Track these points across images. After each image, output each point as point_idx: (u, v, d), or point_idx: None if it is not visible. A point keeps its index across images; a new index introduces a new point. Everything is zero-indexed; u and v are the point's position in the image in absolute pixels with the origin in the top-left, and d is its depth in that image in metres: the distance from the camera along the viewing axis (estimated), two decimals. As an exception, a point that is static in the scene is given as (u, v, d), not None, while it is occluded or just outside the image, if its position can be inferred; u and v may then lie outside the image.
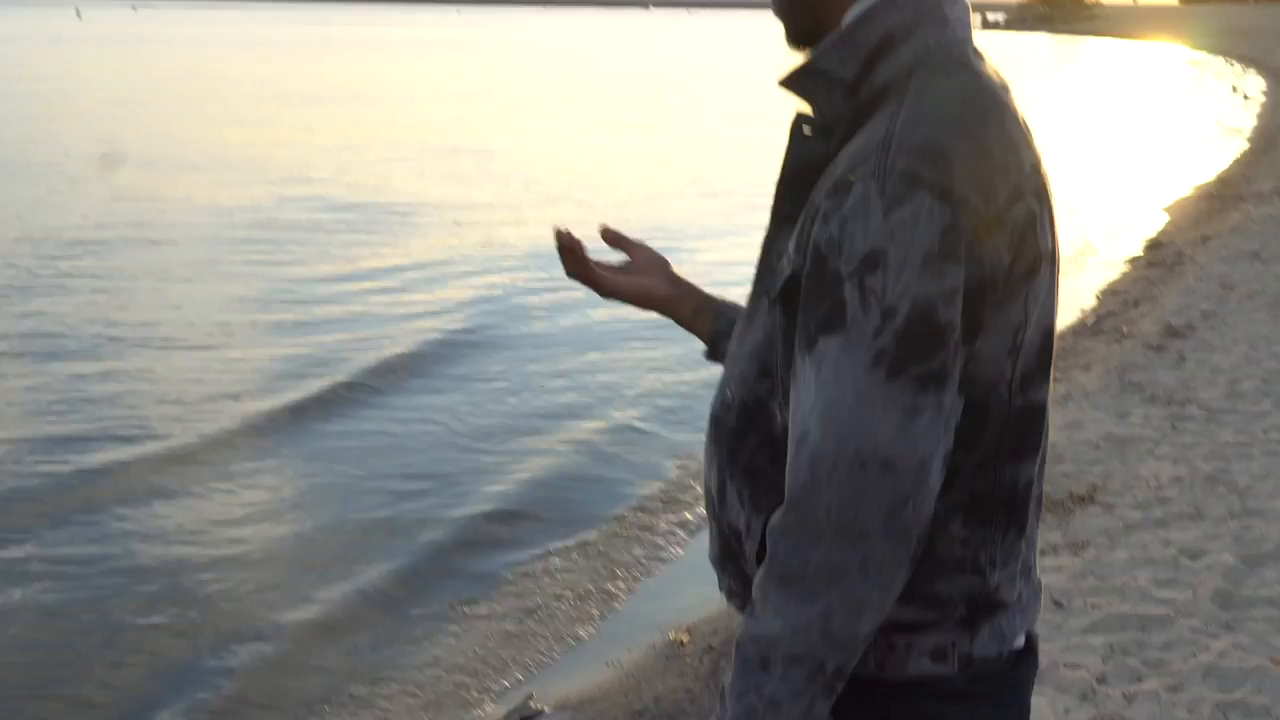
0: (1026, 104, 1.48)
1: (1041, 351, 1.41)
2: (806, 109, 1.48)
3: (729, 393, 1.52)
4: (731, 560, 1.53)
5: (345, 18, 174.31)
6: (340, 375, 8.75)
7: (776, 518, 1.36)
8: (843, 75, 1.41)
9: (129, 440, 7.38)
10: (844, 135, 1.39)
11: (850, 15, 1.42)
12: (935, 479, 1.33)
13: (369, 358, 9.17)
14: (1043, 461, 1.50)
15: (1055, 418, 6.36)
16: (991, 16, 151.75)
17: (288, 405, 8.10)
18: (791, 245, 1.40)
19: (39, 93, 32.97)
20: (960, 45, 1.43)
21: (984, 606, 1.43)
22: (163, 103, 31.31)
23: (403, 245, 13.59)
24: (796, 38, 1.50)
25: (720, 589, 1.59)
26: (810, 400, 1.32)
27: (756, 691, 1.34)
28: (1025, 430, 1.42)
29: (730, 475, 1.50)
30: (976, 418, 1.37)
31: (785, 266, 1.40)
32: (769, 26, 1.54)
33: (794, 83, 1.47)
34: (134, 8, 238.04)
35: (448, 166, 20.20)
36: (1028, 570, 1.50)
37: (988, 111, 1.36)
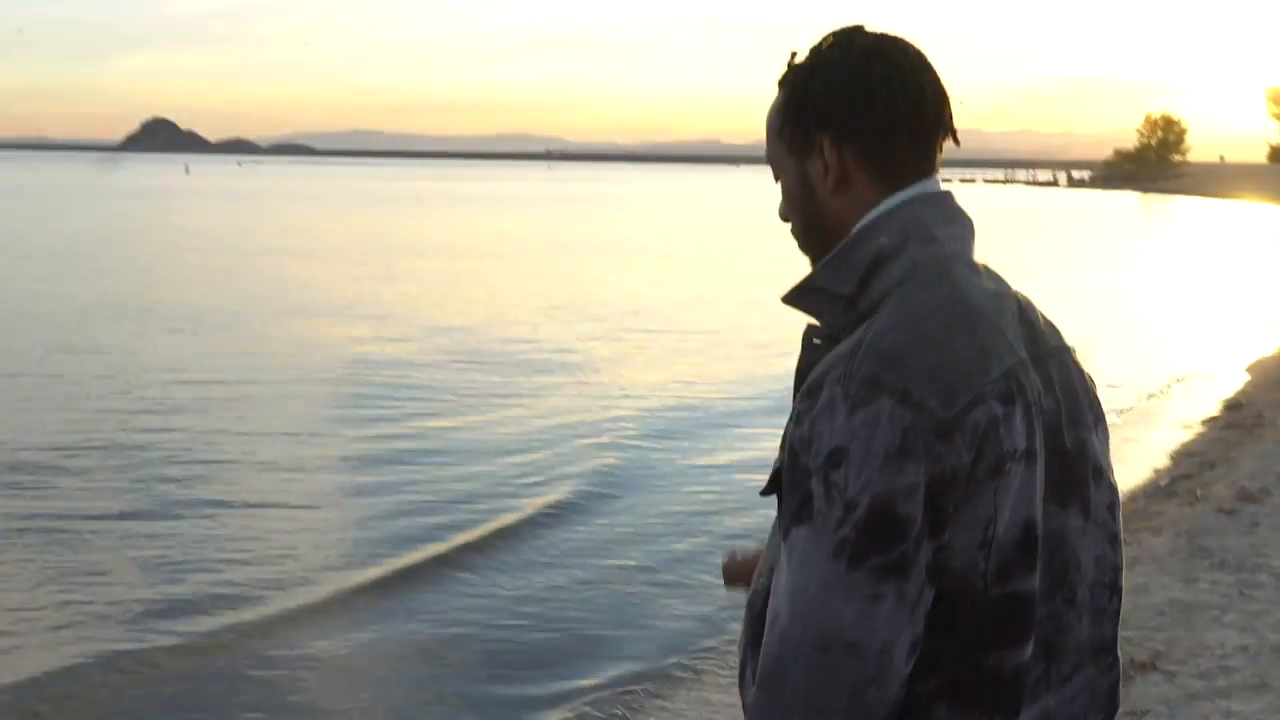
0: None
1: (1022, 544, 1.48)
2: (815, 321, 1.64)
3: (760, 581, 1.62)
4: None
5: (436, 174, 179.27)
6: (455, 537, 8.66)
7: (751, 695, 1.46)
8: (841, 291, 1.57)
9: (226, 606, 7.32)
10: None
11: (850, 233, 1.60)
12: (899, 662, 1.41)
13: (487, 519, 9.04)
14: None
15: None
16: (1077, 174, 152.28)
17: (391, 572, 8.00)
18: (779, 444, 1.53)
19: (147, 243, 34.33)
20: (947, 260, 1.56)
21: None
22: (267, 252, 32.40)
23: (517, 402, 13.45)
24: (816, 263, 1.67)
25: None
26: (783, 584, 1.44)
27: None
28: (1008, 619, 1.48)
29: (750, 658, 1.59)
30: (951, 606, 1.45)
31: (775, 463, 1.53)
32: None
33: (795, 299, 1.65)
34: (239, 164, 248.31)
35: (562, 318, 20.33)
36: None
37: (957, 321, 1.49)
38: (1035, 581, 1.49)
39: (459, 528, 8.91)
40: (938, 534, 1.42)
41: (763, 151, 1.70)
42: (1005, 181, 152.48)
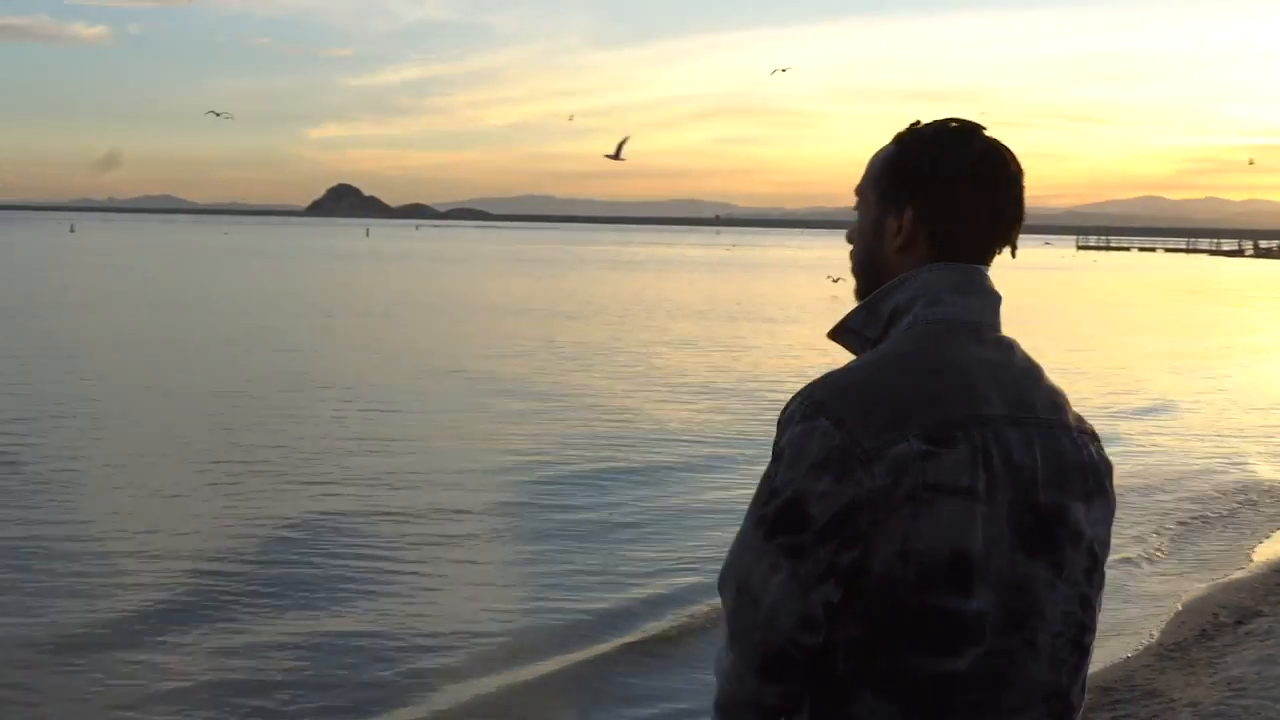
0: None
1: (950, 568, 1.69)
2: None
3: None
4: None
5: (611, 238, 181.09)
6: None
7: None
8: (869, 334, 1.87)
9: (403, 700, 6.94)
10: None
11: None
12: (785, 624, 1.71)
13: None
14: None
15: (1248, 651, 6.18)
16: (1264, 244, 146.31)
17: (584, 659, 7.57)
18: None
19: (341, 303, 35.80)
20: (947, 322, 1.80)
21: None
22: (449, 310, 33.22)
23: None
24: (862, 296, 1.93)
25: None
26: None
27: None
28: (933, 630, 1.70)
29: None
30: (871, 602, 1.71)
31: None
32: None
33: (835, 335, 1.94)
34: (416, 227, 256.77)
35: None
36: None
37: (912, 370, 1.75)
38: (970, 605, 1.70)
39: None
40: (853, 544, 1.69)
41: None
42: (1187, 250, 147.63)
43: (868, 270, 1.92)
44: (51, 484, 11.41)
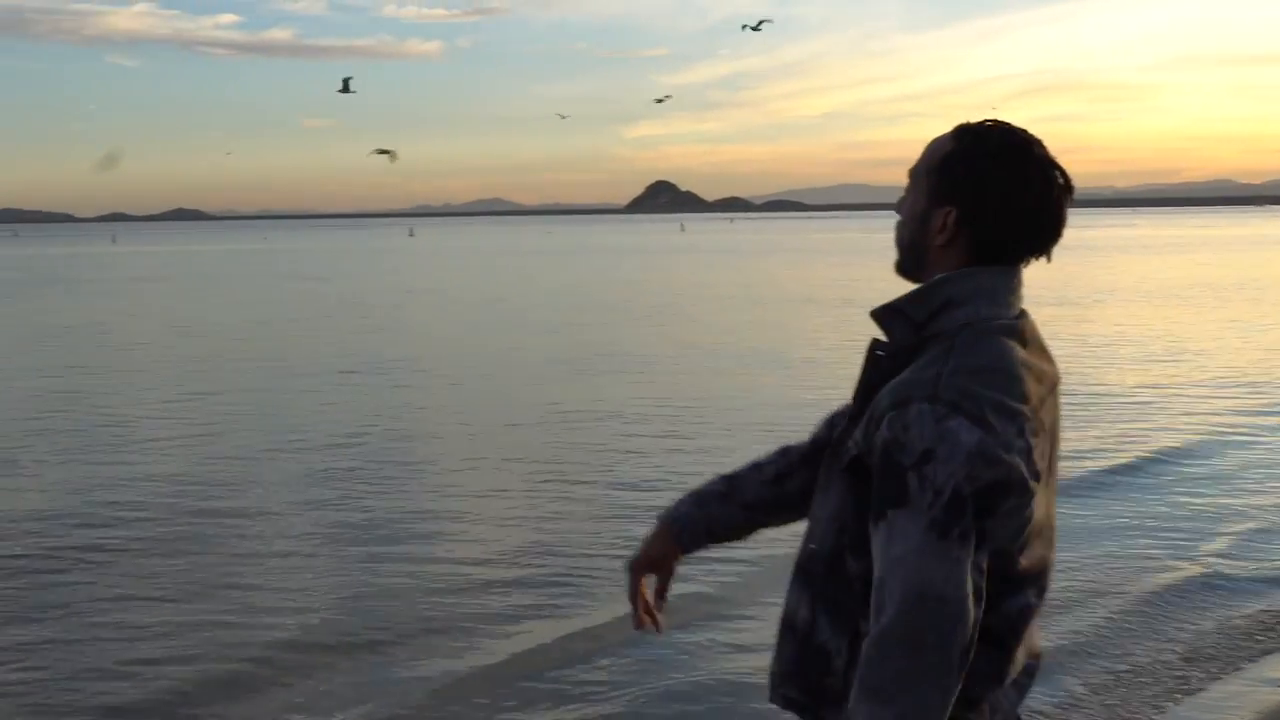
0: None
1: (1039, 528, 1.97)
2: (881, 337, 2.06)
3: (812, 545, 2.07)
4: (803, 675, 2.07)
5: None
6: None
7: (866, 646, 1.86)
8: (916, 317, 2.01)
9: None
10: (906, 360, 1.97)
11: (934, 276, 2.03)
12: (973, 607, 1.85)
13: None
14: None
15: None
16: None
17: None
18: (859, 434, 1.96)
19: (663, 302, 35.99)
20: (1004, 319, 1.99)
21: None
22: (789, 302, 32.65)
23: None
24: (901, 270, 2.12)
25: (774, 700, 2.11)
26: (885, 555, 1.87)
27: None
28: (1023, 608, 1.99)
29: (821, 608, 2.04)
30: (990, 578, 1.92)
31: (852, 448, 1.98)
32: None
33: (879, 314, 2.06)
34: (730, 220, 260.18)
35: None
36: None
37: (1009, 371, 1.92)
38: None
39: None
40: (981, 519, 1.86)
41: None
42: None
43: (911, 252, 2.08)
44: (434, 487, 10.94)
